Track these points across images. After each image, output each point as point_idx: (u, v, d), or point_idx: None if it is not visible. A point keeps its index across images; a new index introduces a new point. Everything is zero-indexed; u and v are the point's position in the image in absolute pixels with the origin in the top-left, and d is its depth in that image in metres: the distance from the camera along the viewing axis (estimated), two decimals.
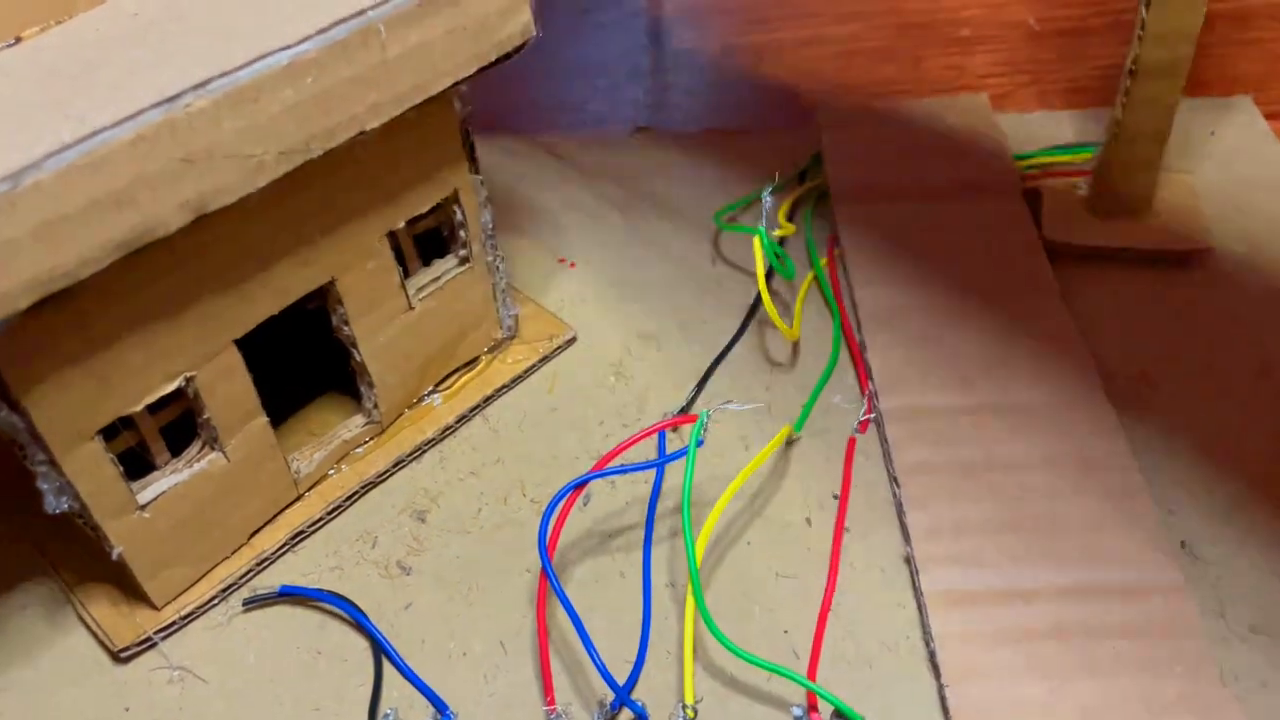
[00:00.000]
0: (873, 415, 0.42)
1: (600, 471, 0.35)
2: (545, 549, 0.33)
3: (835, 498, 0.40)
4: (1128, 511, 0.37)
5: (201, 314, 0.32)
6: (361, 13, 0.31)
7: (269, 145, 0.30)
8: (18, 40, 0.35)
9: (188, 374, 0.33)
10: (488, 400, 0.43)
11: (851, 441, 0.41)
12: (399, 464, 0.41)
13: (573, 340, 0.46)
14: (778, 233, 0.46)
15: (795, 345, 0.45)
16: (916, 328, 0.44)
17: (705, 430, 0.35)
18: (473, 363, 0.44)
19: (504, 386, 0.44)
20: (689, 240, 0.50)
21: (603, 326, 0.46)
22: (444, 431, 0.42)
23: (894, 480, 0.40)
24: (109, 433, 0.32)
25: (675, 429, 0.42)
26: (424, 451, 0.42)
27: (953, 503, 0.38)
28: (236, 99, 0.29)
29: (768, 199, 0.42)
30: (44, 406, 0.30)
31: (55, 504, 0.32)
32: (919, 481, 0.39)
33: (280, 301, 0.35)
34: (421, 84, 0.33)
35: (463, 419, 0.43)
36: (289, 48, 0.29)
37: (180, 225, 0.29)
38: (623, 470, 0.38)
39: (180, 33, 0.32)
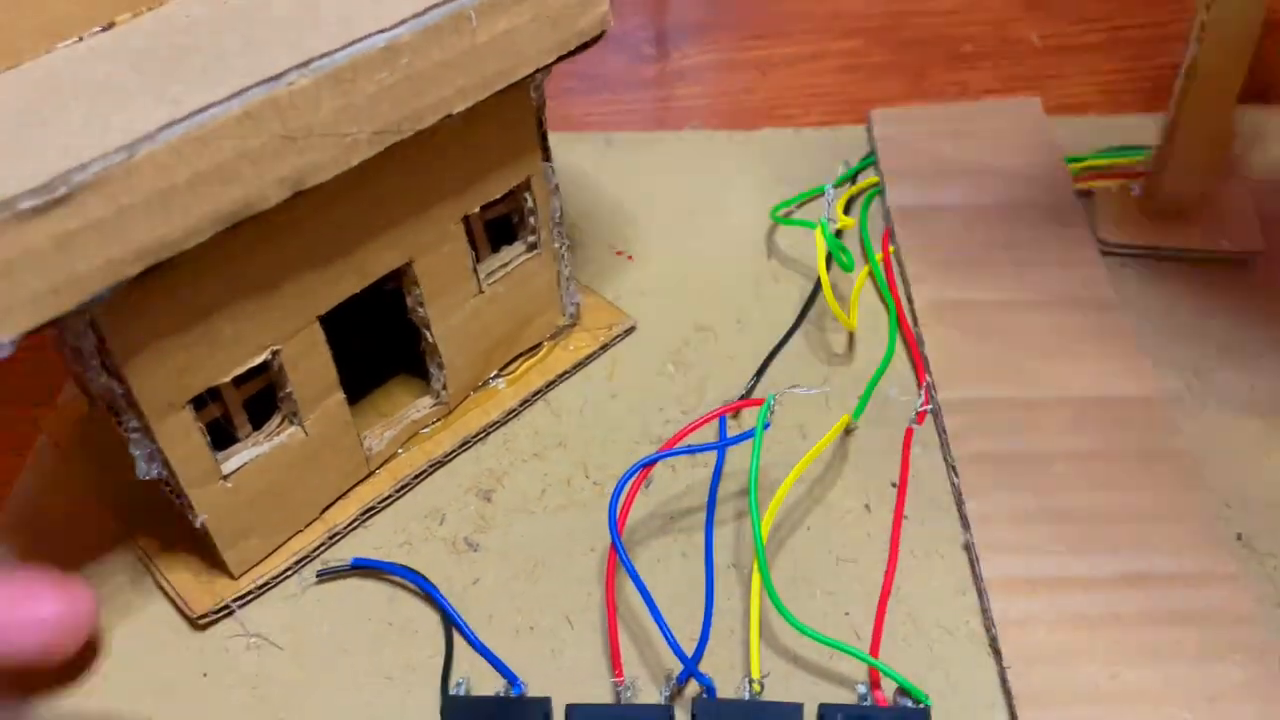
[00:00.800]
0: (930, 407, 0.42)
1: (670, 451, 0.36)
2: (615, 524, 0.34)
3: (894, 486, 0.40)
4: (1184, 503, 0.38)
5: (291, 289, 0.34)
6: None
7: (363, 124, 0.31)
8: (110, 26, 0.37)
9: (274, 347, 0.34)
10: (550, 385, 0.44)
11: (909, 432, 0.42)
12: (465, 445, 0.42)
13: (632, 329, 0.46)
14: (836, 226, 0.47)
15: (851, 338, 0.46)
16: (972, 322, 0.45)
17: (772, 413, 0.36)
18: (535, 349, 0.45)
19: (565, 372, 0.45)
20: (743, 235, 0.51)
21: (660, 317, 0.47)
22: (508, 414, 0.43)
23: (952, 469, 0.40)
24: (198, 403, 0.33)
25: (735, 415, 0.43)
26: (489, 433, 0.43)
27: (1011, 492, 0.39)
28: (335, 79, 0.30)
29: (830, 191, 0.43)
30: (142, 374, 0.31)
31: (146, 470, 0.33)
32: (977, 471, 0.40)
33: (362, 280, 0.36)
34: (506, 70, 0.34)
35: (526, 403, 0.43)
36: (386, 31, 0.30)
37: (278, 200, 0.30)
38: (690, 450, 0.39)
39: (267, 19, 0.33)
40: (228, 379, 0.34)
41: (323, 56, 0.29)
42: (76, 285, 0.27)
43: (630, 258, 0.50)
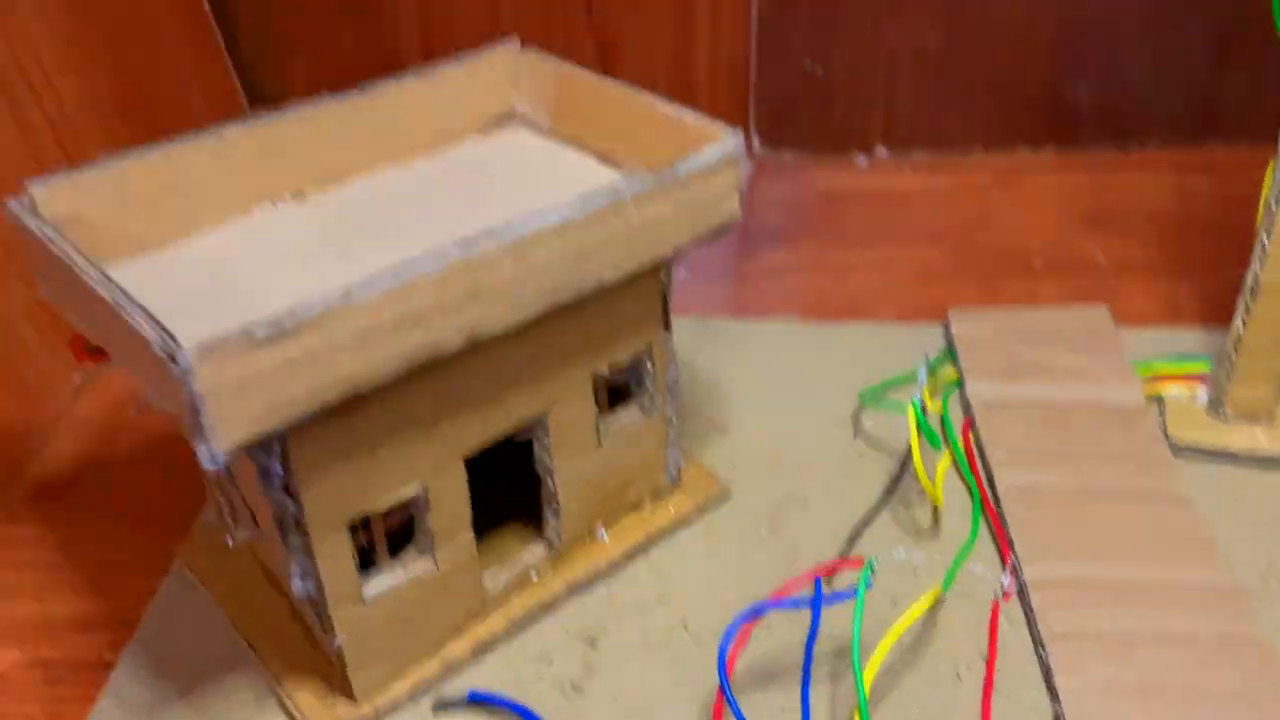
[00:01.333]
0: (1016, 584, 0.44)
1: (777, 602, 0.38)
2: (724, 670, 0.36)
3: (982, 658, 0.42)
4: (1267, 686, 0.39)
5: (447, 428, 0.37)
6: (616, 189, 0.37)
7: (534, 287, 0.35)
8: (302, 195, 0.42)
9: (424, 482, 0.38)
10: (651, 541, 0.47)
11: (995, 606, 0.44)
12: (572, 592, 0.44)
13: (727, 495, 0.49)
14: (925, 407, 0.50)
15: (936, 516, 0.48)
16: (1053, 507, 0.47)
17: (873, 574, 0.38)
18: (639, 506, 0.48)
19: (665, 531, 0.47)
20: (830, 415, 0.54)
21: (753, 486, 0.50)
22: (612, 566, 0.45)
23: (1040, 645, 0.42)
24: (352, 528, 0.36)
25: (829, 580, 0.45)
26: (594, 583, 0.45)
27: (1100, 668, 0.40)
28: (518, 248, 0.34)
29: (923, 373, 0.46)
30: (314, 494, 0.34)
31: (301, 587, 0.36)
32: (1066, 648, 0.41)
33: (508, 425, 0.39)
34: (651, 250, 0.39)
35: (629, 556, 0.46)
36: (561, 211, 0.35)
37: (456, 347, 0.34)
38: (794, 604, 0.41)
39: (440, 198, 0.38)
40: (382, 507, 0.37)
41: (509, 228, 0.34)
42: (287, 407, 0.31)
43: (726, 430, 0.54)
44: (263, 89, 0.78)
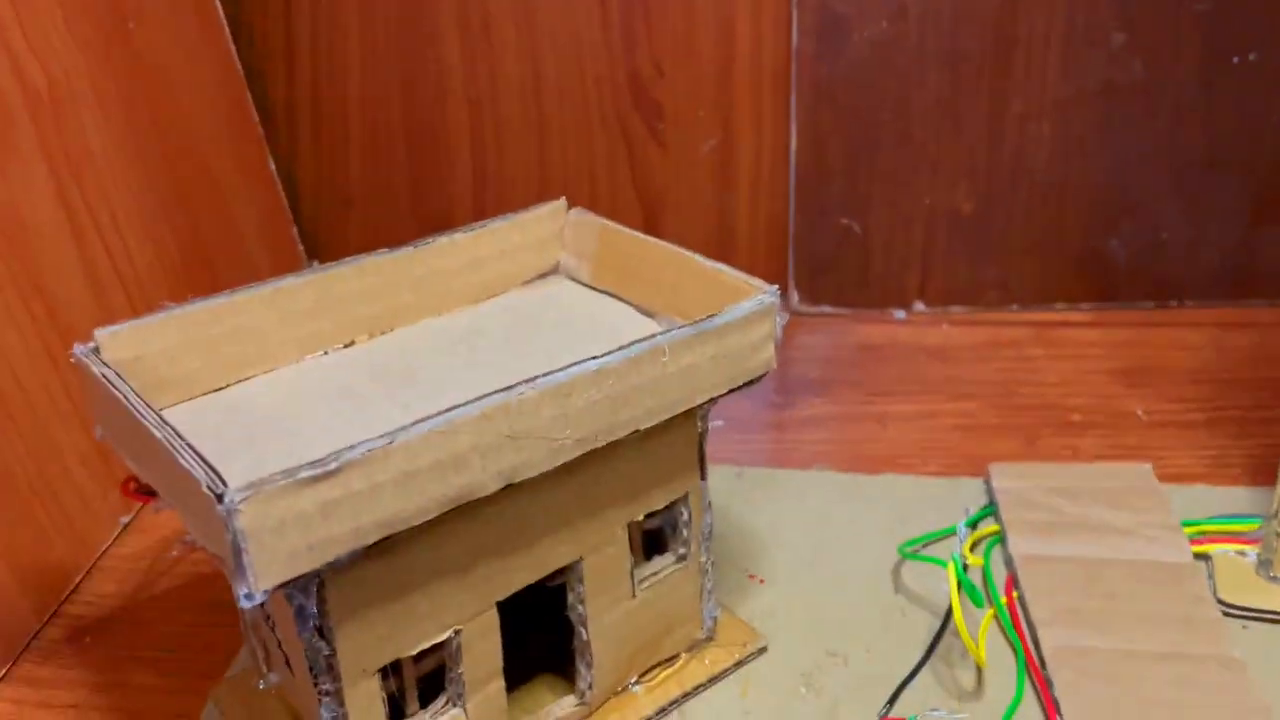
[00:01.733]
0: None
1: None
2: None
3: None
4: None
5: (480, 572, 0.37)
6: (653, 337, 0.38)
7: (570, 432, 0.36)
8: (351, 344, 0.44)
9: (457, 627, 0.37)
10: (685, 696, 0.46)
11: None
12: None
13: (764, 649, 0.49)
14: (966, 563, 0.49)
15: (980, 676, 0.47)
16: (1101, 669, 0.46)
17: None
18: (673, 659, 0.47)
19: (700, 685, 0.46)
20: (870, 569, 0.54)
21: (791, 640, 0.49)
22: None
23: None
24: (383, 674, 0.36)
25: None
26: None
27: None
28: (555, 393, 0.35)
29: (962, 529, 0.46)
30: (347, 637, 0.34)
31: None
32: None
33: (540, 571, 0.39)
34: (686, 397, 0.39)
35: (662, 711, 0.45)
36: (598, 358, 0.36)
37: (493, 490, 0.35)
38: None
39: (483, 345, 0.40)
40: (414, 652, 0.37)
41: (548, 374, 0.35)
42: (327, 547, 0.31)
43: (761, 581, 0.53)
44: (321, 244, 0.82)
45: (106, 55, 0.62)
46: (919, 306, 0.80)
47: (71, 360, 0.38)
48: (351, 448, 0.31)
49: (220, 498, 0.29)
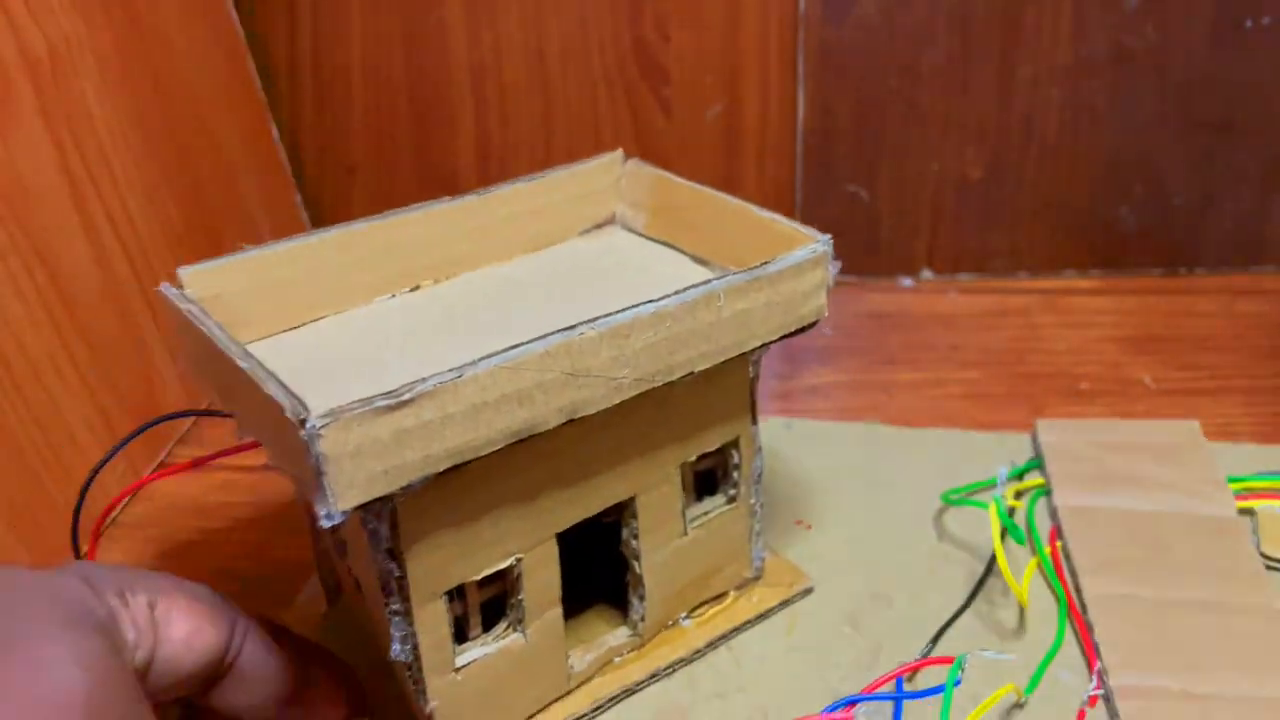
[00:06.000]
0: (1101, 691, 0.44)
1: (869, 695, 0.39)
2: None
3: None
4: None
5: (541, 504, 0.39)
6: (708, 282, 0.39)
7: (629, 372, 0.37)
8: (416, 288, 0.46)
9: (518, 555, 0.39)
10: (734, 631, 0.48)
11: (1080, 714, 0.43)
12: (654, 676, 0.45)
13: (810, 590, 0.50)
14: (1009, 504, 0.50)
15: (1022, 618, 0.48)
16: (1142, 616, 0.47)
17: (962, 671, 0.38)
18: (722, 596, 0.49)
19: (747, 622, 0.48)
20: (915, 517, 0.55)
21: (837, 583, 0.51)
22: (694, 654, 0.46)
23: None
24: (449, 597, 0.38)
25: (911, 678, 0.45)
26: (675, 669, 0.46)
27: None
28: (614, 334, 0.37)
29: (1003, 471, 0.47)
30: (417, 561, 0.37)
31: (399, 650, 0.38)
32: None
33: (598, 505, 0.41)
34: (739, 341, 0.41)
35: (711, 645, 0.47)
36: (656, 301, 0.38)
37: (554, 425, 0.36)
38: (886, 697, 0.42)
39: (542, 291, 0.41)
40: (478, 577, 0.39)
41: (607, 315, 0.37)
42: (401, 472, 0.33)
43: (809, 526, 0.55)
44: (325, 210, 0.82)
45: (107, 20, 0.61)
46: (927, 274, 0.80)
47: (156, 295, 0.40)
48: (424, 380, 0.33)
49: (303, 423, 0.31)
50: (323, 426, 0.31)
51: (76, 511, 0.40)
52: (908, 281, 0.79)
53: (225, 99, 0.73)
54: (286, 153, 0.80)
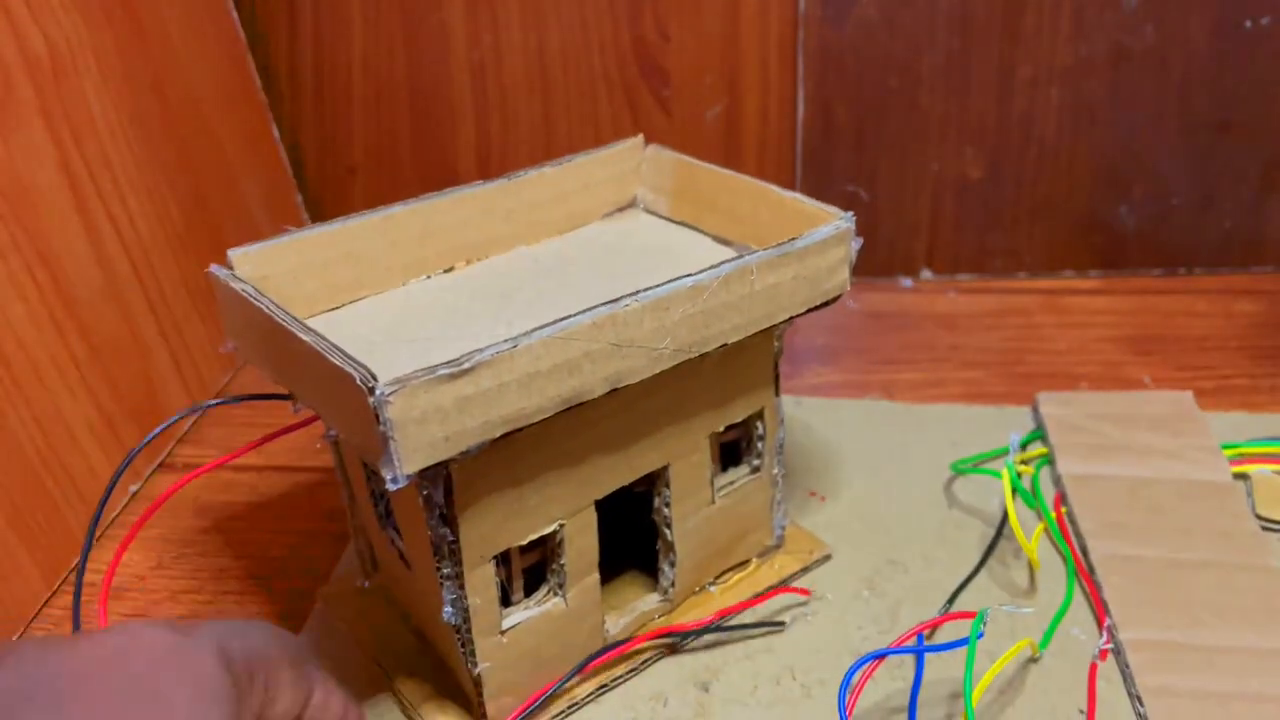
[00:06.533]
0: (1111, 645, 0.46)
1: (894, 649, 0.41)
2: (845, 709, 0.39)
3: (1081, 712, 0.44)
4: None
5: (583, 472, 0.41)
6: (740, 256, 0.41)
7: (669, 342, 0.39)
8: (450, 269, 0.47)
9: (561, 521, 0.41)
10: (757, 596, 0.49)
11: (1093, 667, 0.45)
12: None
13: (828, 557, 0.52)
14: (1019, 469, 0.53)
15: (1033, 579, 0.50)
16: (1147, 575, 0.49)
17: (984, 625, 0.40)
18: (744, 564, 0.51)
19: (771, 587, 0.50)
20: (925, 487, 0.57)
21: (853, 550, 0.53)
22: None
23: (1137, 699, 0.43)
24: (496, 561, 0.40)
25: (931, 635, 0.47)
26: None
27: None
28: (656, 306, 0.38)
29: (1015, 437, 0.49)
30: (470, 525, 0.38)
31: (450, 614, 0.39)
32: (1164, 704, 0.43)
33: (634, 473, 0.43)
34: (769, 314, 0.43)
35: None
36: (694, 275, 0.39)
37: (600, 394, 0.38)
38: (911, 650, 0.44)
39: (571, 271, 0.43)
40: (524, 542, 0.40)
41: (649, 289, 0.38)
42: (461, 437, 0.35)
43: (823, 498, 0.57)
44: (326, 210, 0.82)
45: (107, 20, 0.61)
46: (926, 274, 0.80)
47: (208, 276, 0.42)
48: (481, 350, 0.35)
49: (372, 390, 0.33)
50: (391, 393, 0.33)
51: (94, 521, 0.40)
52: (907, 281, 0.80)
53: (226, 99, 0.74)
54: (287, 153, 0.81)
